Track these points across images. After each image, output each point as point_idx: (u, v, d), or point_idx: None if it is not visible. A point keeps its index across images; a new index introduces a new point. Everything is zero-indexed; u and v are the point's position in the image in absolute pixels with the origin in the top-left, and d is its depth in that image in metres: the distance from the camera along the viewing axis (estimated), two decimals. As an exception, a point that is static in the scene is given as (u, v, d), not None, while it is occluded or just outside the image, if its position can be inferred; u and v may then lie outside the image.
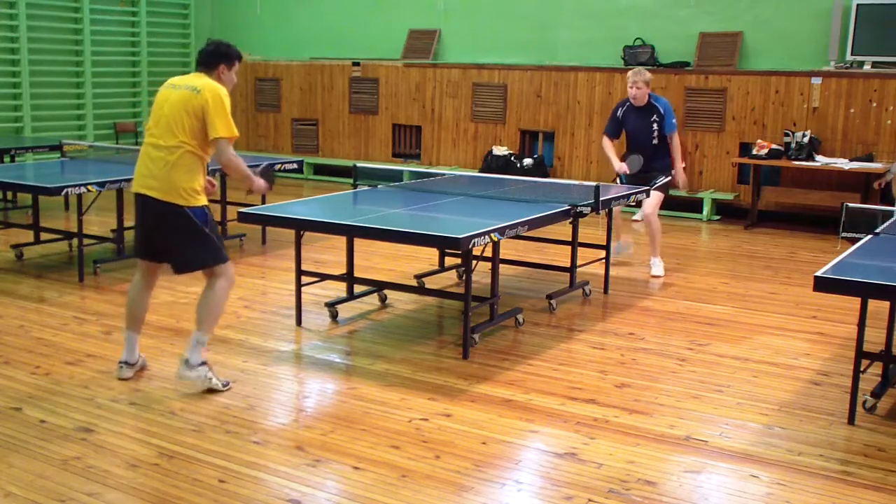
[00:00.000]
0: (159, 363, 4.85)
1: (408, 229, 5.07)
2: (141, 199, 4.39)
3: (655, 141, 7.02)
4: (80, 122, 12.41)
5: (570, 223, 6.09)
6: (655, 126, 6.97)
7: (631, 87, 6.95)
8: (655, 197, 7.04)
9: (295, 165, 8.47)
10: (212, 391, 4.43)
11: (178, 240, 4.36)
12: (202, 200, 4.38)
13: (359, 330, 5.64)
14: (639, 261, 7.72)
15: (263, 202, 7.67)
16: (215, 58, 4.45)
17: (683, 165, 7.47)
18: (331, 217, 5.48)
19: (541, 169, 10.69)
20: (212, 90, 4.31)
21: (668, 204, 10.00)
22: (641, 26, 10.57)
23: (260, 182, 4.70)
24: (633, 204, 7.00)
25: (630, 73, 7.02)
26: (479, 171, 10.74)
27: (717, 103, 9.94)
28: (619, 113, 7.14)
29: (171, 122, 4.31)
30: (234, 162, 4.42)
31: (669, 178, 7.11)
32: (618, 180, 7.25)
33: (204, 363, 4.43)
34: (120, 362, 4.64)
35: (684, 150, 10.12)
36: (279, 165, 8.26)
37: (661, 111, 6.97)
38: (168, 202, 4.29)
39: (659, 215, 7.22)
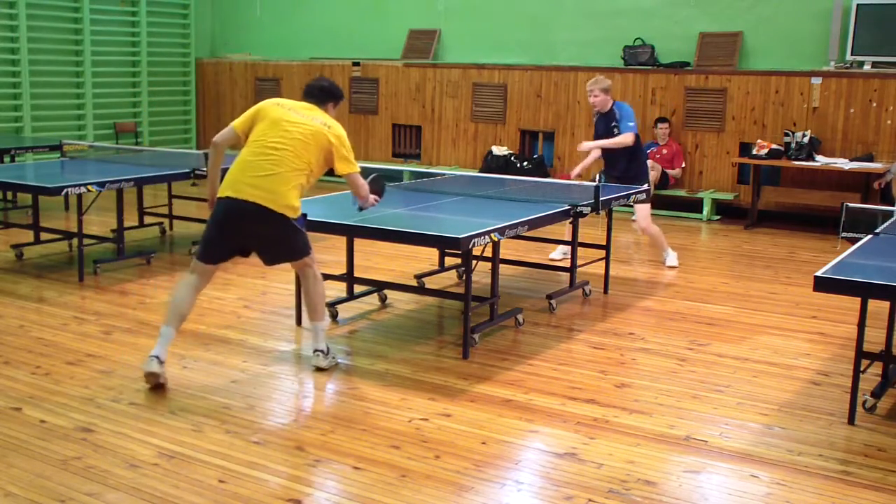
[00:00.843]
0: (159, 363, 4.84)
1: (408, 229, 5.07)
2: (241, 204, 4.47)
3: None
4: (80, 122, 12.40)
5: (570, 223, 6.09)
6: (616, 131, 7.10)
7: (589, 97, 7.14)
8: (641, 210, 7.23)
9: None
10: (213, 391, 4.44)
11: (281, 242, 4.62)
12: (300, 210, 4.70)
13: (359, 330, 5.64)
14: (639, 260, 7.73)
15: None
16: (328, 95, 4.82)
17: (575, 174, 7.47)
18: (331, 217, 5.47)
19: (541, 169, 10.69)
20: (338, 129, 4.68)
21: (669, 204, 10.06)
22: (641, 26, 10.57)
23: (370, 199, 4.94)
24: (633, 204, 7.00)
25: (588, 82, 7.22)
26: (479, 171, 10.74)
27: (717, 103, 9.94)
28: (595, 119, 7.36)
29: (299, 147, 4.53)
30: (363, 189, 4.82)
31: (645, 185, 7.13)
32: (598, 178, 7.30)
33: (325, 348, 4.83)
34: (152, 355, 4.43)
35: (684, 150, 10.14)
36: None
37: (618, 116, 7.10)
38: (280, 214, 4.48)
39: (660, 215, 7.25)
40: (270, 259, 4.77)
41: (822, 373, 4.94)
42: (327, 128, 4.63)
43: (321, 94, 4.81)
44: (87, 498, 3.37)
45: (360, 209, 5.00)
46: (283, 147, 4.51)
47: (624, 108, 7.17)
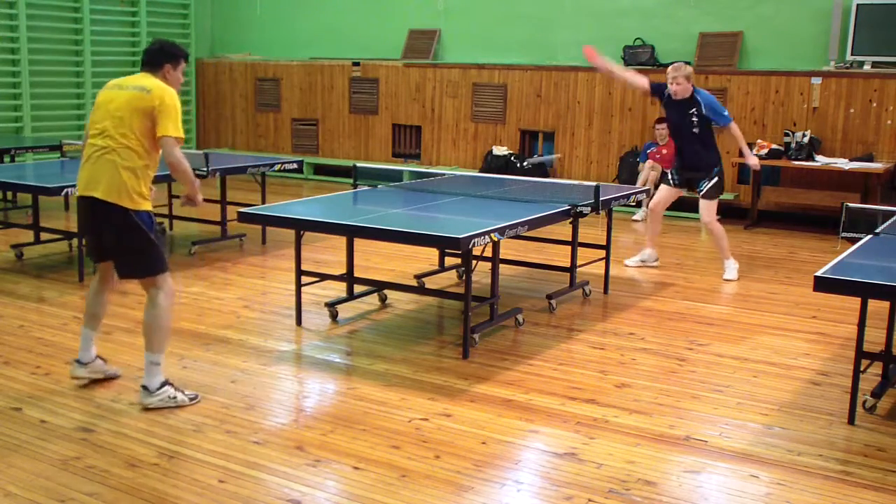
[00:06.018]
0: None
1: (408, 229, 5.07)
2: (86, 201, 4.26)
3: (696, 129, 6.96)
4: (80, 123, 12.39)
5: (570, 223, 6.10)
6: (695, 119, 6.91)
7: (671, 84, 6.90)
8: (705, 205, 7.08)
9: (295, 165, 8.47)
10: (213, 391, 4.43)
11: (123, 244, 4.27)
12: (148, 205, 4.29)
13: (359, 330, 5.64)
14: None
15: (263, 202, 7.70)
16: (160, 57, 4.35)
17: (756, 161, 7.44)
18: (331, 217, 5.48)
19: (541, 169, 10.69)
20: (162, 90, 4.23)
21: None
22: (641, 26, 10.57)
23: (199, 197, 4.52)
24: (634, 204, 7.00)
25: (670, 68, 6.99)
26: (479, 172, 10.74)
27: (717, 103, 9.93)
28: (665, 94, 7.03)
29: (119, 124, 4.19)
30: (182, 163, 4.30)
31: (716, 179, 7.05)
32: (670, 176, 7.30)
33: (164, 384, 4.25)
34: (73, 360, 4.55)
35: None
36: (280, 165, 8.25)
37: (703, 106, 6.89)
38: (114, 204, 4.17)
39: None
40: (118, 267, 4.37)
41: (822, 373, 4.94)
42: (147, 91, 4.19)
43: (152, 57, 4.35)
44: (87, 498, 3.37)
45: (183, 202, 4.56)
46: (107, 129, 4.19)
47: (709, 99, 6.97)
